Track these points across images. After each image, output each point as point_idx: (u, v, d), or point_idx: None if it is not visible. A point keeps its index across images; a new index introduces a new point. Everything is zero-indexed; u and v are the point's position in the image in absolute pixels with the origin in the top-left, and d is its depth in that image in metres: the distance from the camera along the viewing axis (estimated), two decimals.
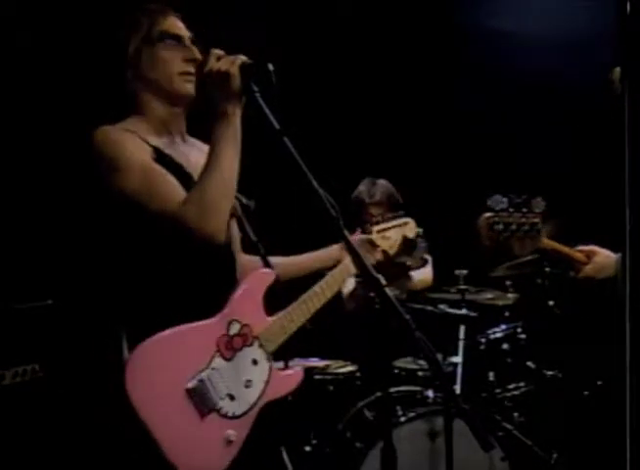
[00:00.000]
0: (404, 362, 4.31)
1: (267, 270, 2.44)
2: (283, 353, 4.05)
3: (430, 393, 3.91)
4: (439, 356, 4.01)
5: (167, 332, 2.22)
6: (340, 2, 5.05)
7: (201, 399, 2.22)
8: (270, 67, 2.17)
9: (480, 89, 5.09)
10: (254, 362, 2.35)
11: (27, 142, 3.78)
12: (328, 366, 4.33)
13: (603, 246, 4.15)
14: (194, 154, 2.43)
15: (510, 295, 4.45)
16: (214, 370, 2.26)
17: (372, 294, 3.07)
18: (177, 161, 2.34)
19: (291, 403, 4.10)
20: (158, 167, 2.27)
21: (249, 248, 2.57)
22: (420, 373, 4.16)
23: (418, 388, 3.99)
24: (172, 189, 2.25)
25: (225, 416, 2.27)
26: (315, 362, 4.40)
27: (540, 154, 5.11)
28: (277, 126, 2.10)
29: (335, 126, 5.11)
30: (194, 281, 2.32)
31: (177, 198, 2.22)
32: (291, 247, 4.46)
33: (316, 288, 2.52)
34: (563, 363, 4.37)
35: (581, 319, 4.57)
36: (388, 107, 5.23)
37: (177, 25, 2.41)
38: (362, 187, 4.41)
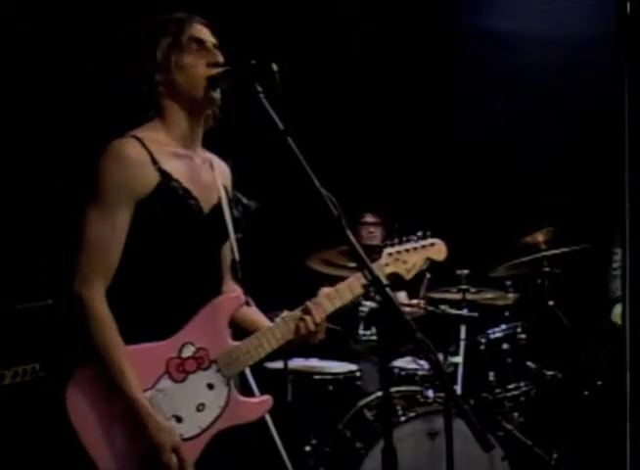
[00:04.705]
0: (404, 362, 4.31)
1: (234, 295, 2.40)
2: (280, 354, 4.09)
3: (430, 393, 3.91)
4: (440, 357, 4.03)
5: None
6: (343, 3, 5.05)
7: None
8: (274, 67, 2.17)
9: (480, 91, 5.09)
10: (210, 386, 2.30)
11: (32, 143, 3.79)
12: (328, 366, 4.33)
13: (602, 246, 4.16)
14: (204, 174, 2.43)
15: (510, 295, 4.45)
16: (159, 391, 2.24)
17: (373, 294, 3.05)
18: (185, 185, 2.34)
19: (291, 403, 4.11)
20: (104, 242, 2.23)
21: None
22: (420, 373, 4.17)
23: (418, 388, 4.00)
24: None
25: None
26: (315, 362, 4.40)
27: (540, 157, 5.11)
28: (281, 127, 2.10)
29: (336, 126, 5.11)
30: (170, 301, 2.29)
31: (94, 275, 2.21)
32: (291, 246, 4.49)
33: (293, 313, 2.41)
34: (563, 363, 4.37)
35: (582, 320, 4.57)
36: (390, 105, 5.23)
37: (202, 31, 2.44)
38: None
